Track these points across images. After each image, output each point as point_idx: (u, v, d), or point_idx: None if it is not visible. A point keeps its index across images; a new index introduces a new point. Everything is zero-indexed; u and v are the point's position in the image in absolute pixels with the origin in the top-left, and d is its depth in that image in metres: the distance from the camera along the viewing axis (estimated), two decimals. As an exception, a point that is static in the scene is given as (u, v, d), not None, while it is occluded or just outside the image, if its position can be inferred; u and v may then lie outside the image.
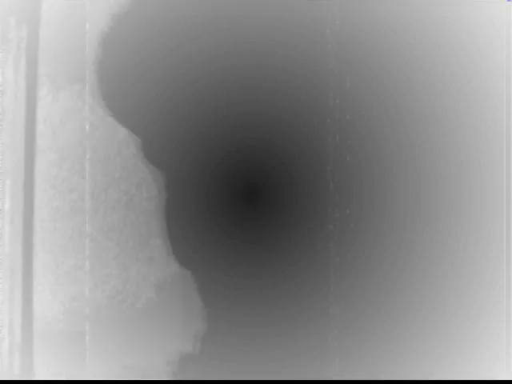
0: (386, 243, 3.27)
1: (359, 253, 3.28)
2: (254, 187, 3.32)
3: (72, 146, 3.14)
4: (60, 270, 3.18)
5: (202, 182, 3.32)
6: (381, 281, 3.27)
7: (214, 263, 3.30)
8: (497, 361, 3.22)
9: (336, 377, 3.23)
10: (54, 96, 3.09)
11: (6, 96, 2.91)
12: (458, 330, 3.25)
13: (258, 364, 3.24)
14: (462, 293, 3.26)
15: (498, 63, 3.28)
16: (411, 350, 3.26)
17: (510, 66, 3.27)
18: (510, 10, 3.27)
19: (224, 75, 3.30)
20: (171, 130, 3.30)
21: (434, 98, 3.29)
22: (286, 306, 3.28)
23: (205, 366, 3.21)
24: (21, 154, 2.98)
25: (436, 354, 3.25)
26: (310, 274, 3.28)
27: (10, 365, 2.98)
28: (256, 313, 3.29)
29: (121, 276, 3.24)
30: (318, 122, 3.28)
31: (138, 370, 3.17)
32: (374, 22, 3.29)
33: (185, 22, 3.26)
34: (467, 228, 3.28)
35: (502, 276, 3.24)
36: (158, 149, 3.30)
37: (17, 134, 2.98)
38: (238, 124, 3.30)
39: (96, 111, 3.24)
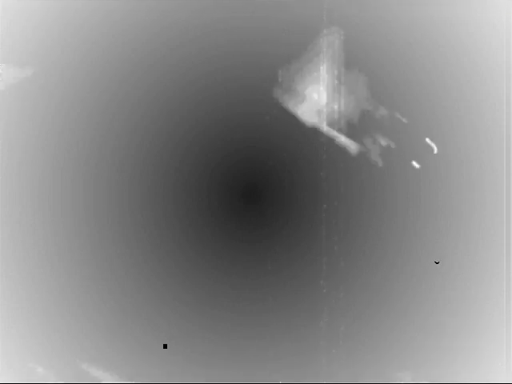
0: (386, 243, 3.27)
1: (358, 253, 3.27)
2: (254, 187, 3.32)
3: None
4: None
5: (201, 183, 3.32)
6: (380, 281, 3.26)
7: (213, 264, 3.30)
8: (497, 362, 3.22)
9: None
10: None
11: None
12: (458, 330, 3.24)
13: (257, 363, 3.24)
14: (462, 293, 3.25)
15: (498, 63, 3.27)
16: (411, 350, 3.25)
17: (510, 65, 3.27)
18: (510, 9, 3.27)
19: (224, 75, 3.30)
20: (169, 132, 3.30)
21: (434, 98, 3.29)
22: (282, 307, 3.28)
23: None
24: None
25: (436, 353, 3.25)
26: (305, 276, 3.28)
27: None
28: (253, 312, 3.29)
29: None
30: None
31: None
32: (373, 21, 3.28)
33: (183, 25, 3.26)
34: (467, 228, 3.27)
35: (502, 276, 3.24)
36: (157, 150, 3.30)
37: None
38: (239, 124, 3.30)
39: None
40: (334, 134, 3.11)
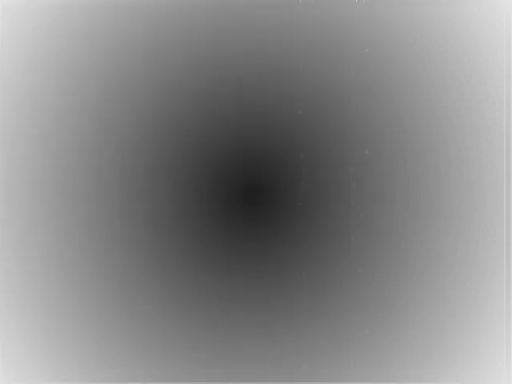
0: (385, 243, 3.27)
1: (357, 253, 3.28)
2: (257, 187, 3.32)
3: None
4: None
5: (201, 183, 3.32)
6: (380, 281, 3.26)
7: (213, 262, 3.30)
8: (496, 364, 3.22)
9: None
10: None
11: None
12: (458, 330, 3.24)
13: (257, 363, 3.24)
14: (462, 293, 3.25)
15: (498, 63, 3.27)
16: (410, 351, 3.25)
17: (510, 65, 3.27)
18: (510, 9, 3.27)
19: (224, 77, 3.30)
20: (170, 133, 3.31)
21: (434, 98, 3.29)
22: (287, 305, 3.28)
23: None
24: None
25: (436, 355, 3.25)
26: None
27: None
28: (255, 311, 3.29)
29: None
30: (315, 126, 3.28)
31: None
32: (374, 21, 3.29)
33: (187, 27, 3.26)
34: (467, 228, 3.27)
35: (502, 276, 3.24)
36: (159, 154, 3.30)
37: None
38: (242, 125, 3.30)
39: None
40: None
